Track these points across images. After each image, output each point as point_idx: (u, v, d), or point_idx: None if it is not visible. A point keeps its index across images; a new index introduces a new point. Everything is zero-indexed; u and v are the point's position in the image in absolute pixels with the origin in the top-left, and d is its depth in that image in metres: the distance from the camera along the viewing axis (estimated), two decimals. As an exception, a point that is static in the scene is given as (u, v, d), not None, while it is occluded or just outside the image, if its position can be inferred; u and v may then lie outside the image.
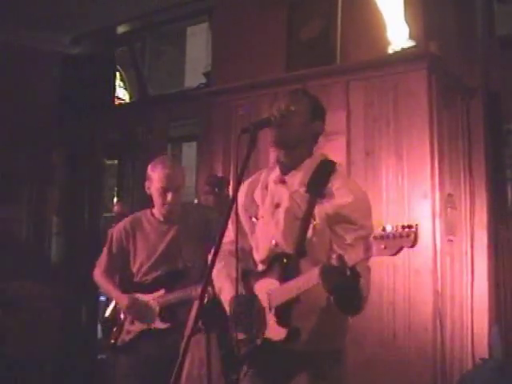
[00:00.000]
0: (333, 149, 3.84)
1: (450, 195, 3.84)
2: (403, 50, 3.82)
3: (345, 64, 4.16)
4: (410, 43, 3.81)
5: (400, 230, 1.79)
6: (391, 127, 3.80)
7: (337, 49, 4.21)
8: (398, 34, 3.83)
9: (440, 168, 3.72)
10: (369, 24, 3.99)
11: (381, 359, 3.60)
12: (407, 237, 1.77)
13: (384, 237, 1.80)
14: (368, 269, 2.11)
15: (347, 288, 1.98)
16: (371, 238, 1.84)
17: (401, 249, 1.80)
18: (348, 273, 1.91)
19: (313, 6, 4.43)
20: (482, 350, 3.90)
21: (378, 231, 1.83)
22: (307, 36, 4.42)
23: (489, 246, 4.03)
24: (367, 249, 1.85)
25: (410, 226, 1.78)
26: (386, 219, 3.67)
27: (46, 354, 5.22)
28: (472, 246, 4.03)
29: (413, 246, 1.78)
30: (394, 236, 1.79)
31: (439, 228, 3.64)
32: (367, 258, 1.91)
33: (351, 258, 1.90)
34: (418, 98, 3.71)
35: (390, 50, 3.87)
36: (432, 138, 3.68)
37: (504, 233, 4.08)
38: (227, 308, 2.22)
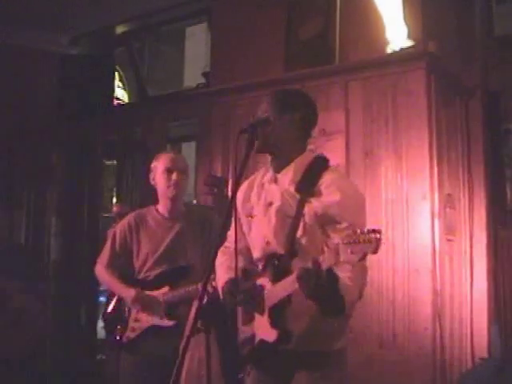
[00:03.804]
0: (332, 148, 3.85)
1: (448, 195, 3.85)
2: (402, 49, 3.82)
3: (343, 64, 4.16)
4: (409, 43, 3.81)
5: (365, 234, 1.75)
6: (390, 127, 3.80)
7: (335, 49, 4.21)
8: (396, 34, 3.84)
9: (439, 168, 3.73)
10: (367, 24, 3.99)
11: (380, 359, 3.60)
12: (369, 243, 1.74)
13: (351, 242, 1.77)
14: (364, 268, 2.08)
15: (324, 291, 1.94)
16: (341, 243, 1.81)
17: (365, 255, 1.77)
18: (324, 276, 1.89)
19: (311, 6, 4.44)
20: (482, 350, 3.90)
21: (347, 236, 1.80)
22: (306, 36, 4.42)
23: (488, 246, 4.03)
24: (337, 254, 1.82)
25: (374, 231, 1.75)
26: (384, 219, 3.68)
27: (31, 353, 5.19)
28: (471, 246, 4.03)
29: (375, 252, 1.75)
30: (359, 241, 1.76)
31: (438, 228, 3.64)
32: (340, 262, 1.86)
33: (325, 261, 1.88)
34: (417, 97, 3.71)
35: (389, 50, 3.88)
36: (431, 137, 3.69)
37: (503, 232, 4.08)
38: (220, 292, 2.23)
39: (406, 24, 3.81)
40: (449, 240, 3.81)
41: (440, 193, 3.71)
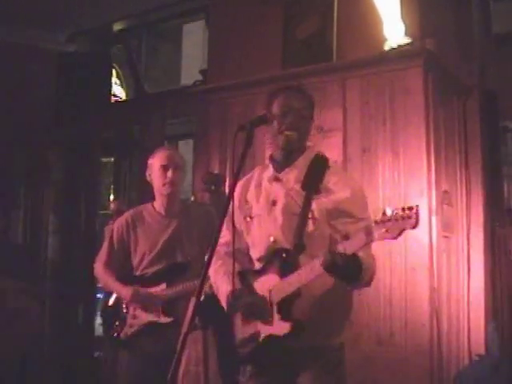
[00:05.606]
0: (329, 146, 3.84)
1: (446, 192, 3.85)
2: (399, 47, 3.82)
3: (341, 61, 4.15)
4: (407, 40, 3.81)
5: (401, 212, 1.80)
6: (387, 124, 3.80)
7: (333, 46, 4.21)
8: (394, 31, 3.83)
9: (436, 165, 3.73)
10: (365, 21, 3.99)
11: (378, 356, 3.60)
12: (409, 218, 1.78)
13: (385, 220, 1.82)
14: (373, 257, 2.14)
15: (350, 274, 2.01)
16: (372, 223, 1.86)
17: (403, 231, 1.81)
18: (350, 259, 1.93)
19: (309, 4, 4.43)
20: (479, 347, 3.91)
21: (378, 216, 1.85)
22: (303, 34, 4.42)
23: (485, 243, 4.04)
24: (368, 234, 1.87)
25: (410, 208, 1.79)
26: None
27: (29, 352, 5.19)
28: (468, 243, 4.04)
29: (414, 227, 1.79)
30: (396, 219, 1.80)
31: (435, 225, 3.64)
32: (369, 243, 1.92)
33: (353, 244, 1.92)
34: (415, 95, 3.71)
35: (387, 48, 3.87)
36: (428, 135, 3.69)
37: (500, 229, 4.09)
38: (224, 303, 2.23)
39: (404, 21, 3.80)
40: (446, 237, 3.81)
41: (437, 190, 3.71)
